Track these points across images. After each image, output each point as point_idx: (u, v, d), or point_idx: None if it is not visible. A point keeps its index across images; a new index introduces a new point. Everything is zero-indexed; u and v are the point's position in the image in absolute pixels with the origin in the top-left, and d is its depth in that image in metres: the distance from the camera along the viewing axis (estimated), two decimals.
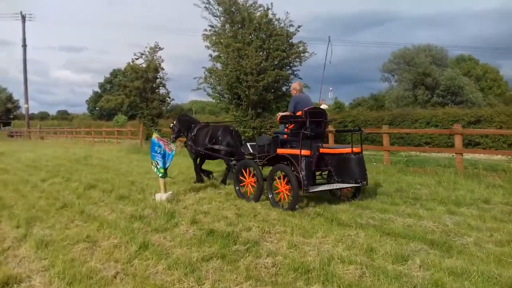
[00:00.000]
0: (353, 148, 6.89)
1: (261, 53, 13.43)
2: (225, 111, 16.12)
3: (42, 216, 6.64)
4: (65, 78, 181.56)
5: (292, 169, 6.54)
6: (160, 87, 21.06)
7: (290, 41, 13.88)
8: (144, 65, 20.51)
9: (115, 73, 78.75)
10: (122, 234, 5.37)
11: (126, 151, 19.78)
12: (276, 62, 13.57)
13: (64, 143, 30.84)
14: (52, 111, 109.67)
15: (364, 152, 7.26)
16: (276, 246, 4.92)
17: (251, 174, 7.40)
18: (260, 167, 7.40)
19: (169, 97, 21.13)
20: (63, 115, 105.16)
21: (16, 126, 67.22)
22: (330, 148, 7.55)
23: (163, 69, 20.72)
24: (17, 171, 12.74)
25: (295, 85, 8.36)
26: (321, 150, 7.19)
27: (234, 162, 8.55)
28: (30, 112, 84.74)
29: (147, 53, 20.68)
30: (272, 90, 14.02)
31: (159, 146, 7.80)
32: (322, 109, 7.74)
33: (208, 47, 14.63)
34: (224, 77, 13.71)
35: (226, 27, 14.14)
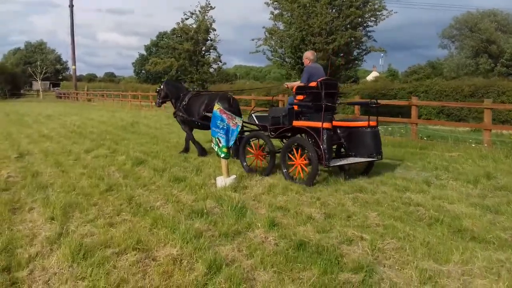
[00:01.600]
0: (370, 122, 6.62)
1: (332, 10, 11.60)
2: (286, 77, 14.48)
3: (82, 202, 5.42)
4: (112, 40, 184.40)
5: (311, 142, 6.35)
6: (211, 50, 19.60)
7: None
8: (194, 26, 19.01)
9: (161, 36, 78.04)
10: (183, 242, 4.02)
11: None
12: (348, 21, 11.69)
13: (110, 106, 30.20)
14: (100, 73, 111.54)
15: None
16: (402, 277, 3.42)
17: (260, 147, 7.25)
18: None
19: (221, 61, 19.66)
20: (110, 78, 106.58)
21: (65, 87, 68.33)
22: (344, 121, 7.23)
23: (214, 29, 19.20)
24: (61, 138, 11.78)
25: (308, 54, 7.76)
26: (334, 123, 6.83)
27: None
28: (78, 74, 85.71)
29: (197, 12, 19.15)
30: (342, 54, 12.24)
31: (222, 120, 6.37)
32: (335, 80, 7.52)
33: (268, 4, 12.94)
34: (287, 38, 12.02)
35: None
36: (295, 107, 6.92)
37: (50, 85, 76.27)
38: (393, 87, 18.82)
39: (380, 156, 6.71)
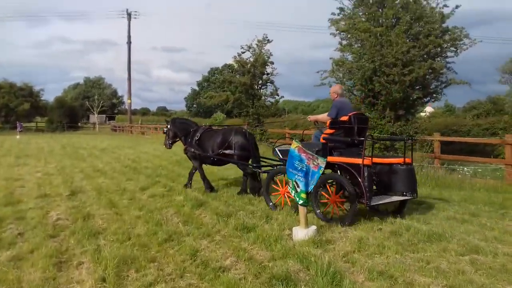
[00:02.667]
0: (405, 158, 6.41)
1: (408, 39, 10.58)
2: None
3: (139, 257, 4.54)
4: (165, 76, 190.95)
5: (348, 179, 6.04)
6: (268, 83, 18.94)
7: (444, 25, 10.86)
8: (251, 60, 18.51)
9: (212, 72, 79.72)
10: None
11: None
12: (425, 51, 10.60)
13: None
14: (153, 108, 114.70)
15: None
16: None
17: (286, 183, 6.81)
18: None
19: (278, 94, 18.91)
20: (162, 111, 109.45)
21: (120, 121, 70.31)
22: (377, 157, 6.69)
23: (272, 63, 18.59)
24: (115, 174, 11.22)
25: (335, 88, 7.49)
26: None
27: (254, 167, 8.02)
28: (132, 108, 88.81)
29: (254, 46, 18.67)
30: (418, 87, 11.10)
31: (301, 161, 5.39)
32: (365, 115, 7.37)
33: (334, 35, 12.14)
34: (357, 70, 11.05)
35: (360, 9, 11.47)
36: (323, 142, 6.67)
37: (106, 118, 78.95)
38: (465, 123, 17.28)
39: (415, 194, 6.40)
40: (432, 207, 7.33)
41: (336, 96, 7.33)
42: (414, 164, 9.94)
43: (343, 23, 11.86)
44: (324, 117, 7.27)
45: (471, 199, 8.08)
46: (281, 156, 7.34)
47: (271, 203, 7.01)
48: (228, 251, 4.84)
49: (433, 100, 11.75)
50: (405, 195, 6.31)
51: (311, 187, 5.40)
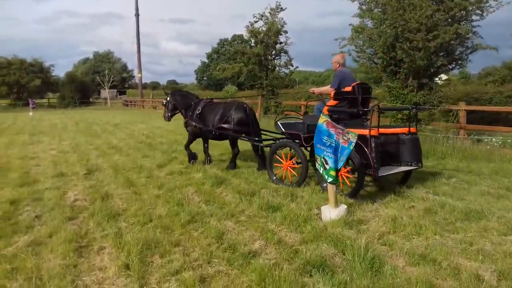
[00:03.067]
0: (410, 128, 6.42)
1: (432, 2, 9.98)
2: (375, 81, 12.92)
3: (162, 241, 4.32)
4: (174, 49, 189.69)
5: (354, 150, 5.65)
6: (282, 54, 18.38)
7: None
8: (264, 29, 17.91)
9: (222, 43, 78.68)
10: None
11: None
12: (450, 15, 9.99)
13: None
14: (162, 81, 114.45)
15: None
16: None
17: (290, 157, 6.90)
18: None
19: (292, 65, 18.36)
20: (172, 85, 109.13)
21: (130, 95, 70.15)
22: (383, 128, 6.45)
23: (286, 32, 17.96)
24: (130, 151, 11.00)
25: (338, 58, 7.35)
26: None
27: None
28: (142, 81, 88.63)
29: (267, 14, 18.03)
30: (442, 54, 10.55)
31: (329, 136, 5.06)
32: (368, 84, 7.10)
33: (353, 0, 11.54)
34: (378, 36, 10.51)
35: None
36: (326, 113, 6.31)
37: (117, 93, 78.81)
38: (487, 90, 16.66)
39: (420, 164, 6.39)
40: (462, 181, 7.00)
41: (338, 66, 7.23)
42: (439, 134, 9.87)
43: None
44: (327, 89, 7.21)
45: (503, 172, 7.71)
46: (283, 130, 7.23)
47: (274, 177, 6.97)
48: (255, 233, 4.59)
49: (458, 67, 11.16)
50: (411, 165, 6.32)
51: (341, 164, 5.09)
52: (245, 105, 8.32)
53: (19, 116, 29.07)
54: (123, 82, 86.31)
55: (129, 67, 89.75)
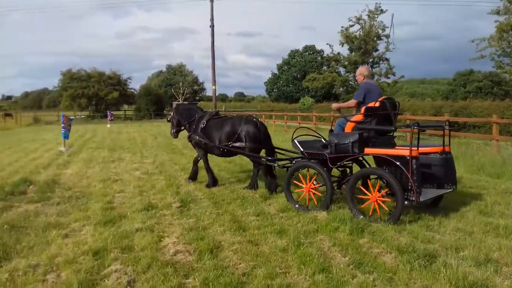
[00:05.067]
0: (445, 147, 6.00)
1: None
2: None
3: None
4: (241, 62, 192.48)
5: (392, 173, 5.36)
6: (382, 61, 16.30)
7: None
8: (361, 33, 15.96)
9: (293, 54, 77.11)
10: None
11: None
12: None
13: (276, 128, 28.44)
14: (230, 93, 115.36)
15: None
16: None
17: (312, 179, 6.26)
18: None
19: (394, 73, 16.20)
20: (240, 97, 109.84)
21: (207, 109, 70.40)
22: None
23: (387, 36, 15.90)
24: (222, 173, 9.50)
25: (362, 70, 6.97)
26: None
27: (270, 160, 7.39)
28: (210, 94, 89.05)
29: (364, 17, 16.09)
30: None
31: None
32: (395, 99, 6.45)
33: None
34: None
35: None
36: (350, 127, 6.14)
37: None
38: None
39: (455, 187, 6.01)
40: None
41: (362, 78, 6.84)
42: None
43: None
44: (349, 102, 6.85)
45: None
46: (301, 149, 6.60)
47: (296, 204, 6.28)
48: None
49: None
50: (447, 187, 5.91)
51: None
52: (255, 119, 7.69)
53: (98, 128, 29.15)
54: (194, 94, 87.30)
55: (200, 80, 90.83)
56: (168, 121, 9.16)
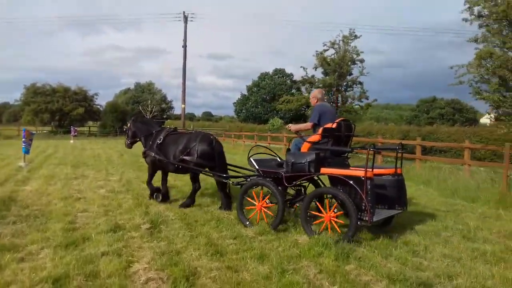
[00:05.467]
0: (397, 169, 6.12)
1: None
2: (492, 119, 10.66)
3: None
4: (210, 83, 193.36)
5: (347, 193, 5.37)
6: (355, 85, 16.36)
7: None
8: (335, 58, 16.01)
9: (263, 77, 77.63)
10: None
11: None
12: None
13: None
14: (197, 112, 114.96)
15: None
16: None
17: (264, 197, 6.34)
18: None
19: (367, 97, 16.24)
20: (208, 116, 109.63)
21: (169, 125, 69.42)
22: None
23: (362, 61, 15.98)
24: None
25: (315, 93, 7.15)
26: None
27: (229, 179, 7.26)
28: (178, 112, 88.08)
29: (339, 42, 16.16)
30: None
31: None
32: (351, 121, 6.72)
33: (468, 20, 9.47)
34: None
35: None
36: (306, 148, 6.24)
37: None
38: None
39: (405, 208, 6.12)
40: None
41: (316, 101, 6.95)
42: None
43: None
44: (306, 124, 6.83)
45: None
46: (257, 166, 6.63)
47: (247, 222, 6.25)
48: None
49: None
50: (397, 209, 6.03)
51: None
52: (211, 136, 7.63)
53: (60, 144, 28.01)
54: (162, 113, 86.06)
55: (168, 98, 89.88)
56: (124, 131, 8.99)
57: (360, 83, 16.20)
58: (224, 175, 7.28)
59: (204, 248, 5.01)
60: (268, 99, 70.51)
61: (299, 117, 38.48)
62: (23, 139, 13.90)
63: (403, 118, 70.57)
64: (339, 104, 16.43)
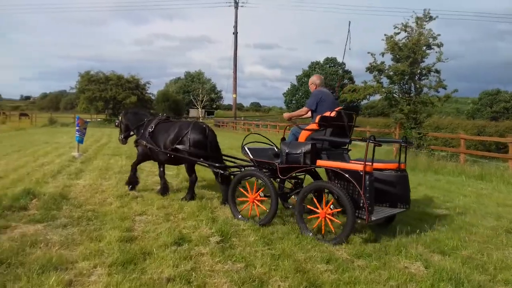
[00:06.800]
0: (400, 164, 5.62)
1: None
2: None
3: None
4: (258, 72, 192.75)
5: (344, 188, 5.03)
6: (431, 73, 14.70)
7: None
8: (408, 42, 14.42)
9: (313, 66, 75.83)
10: None
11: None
12: None
13: (272, 137, 26.98)
14: (246, 103, 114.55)
15: None
16: None
17: (257, 189, 5.94)
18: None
19: (445, 87, 14.55)
20: (256, 107, 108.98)
21: (219, 116, 69.39)
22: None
23: (439, 46, 14.32)
24: None
25: (313, 79, 6.66)
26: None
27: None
28: (226, 103, 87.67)
29: (412, 25, 14.55)
30: None
31: None
32: (352, 110, 6.10)
33: None
34: None
35: None
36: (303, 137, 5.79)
37: (205, 113, 78.69)
38: None
39: (408, 206, 5.62)
40: None
41: (314, 87, 6.57)
42: None
43: None
44: (301, 110, 6.49)
45: None
46: (251, 156, 6.29)
47: (239, 215, 5.97)
48: None
49: None
50: (400, 207, 5.59)
51: None
52: (204, 125, 7.34)
53: (114, 133, 27.91)
54: (211, 103, 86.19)
55: (218, 88, 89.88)
56: (116, 126, 8.82)
57: (437, 71, 14.50)
58: (219, 166, 6.89)
59: (293, 277, 3.92)
60: None
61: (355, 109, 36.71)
62: (76, 127, 13.43)
63: (461, 111, 66.55)
64: (411, 95, 14.79)
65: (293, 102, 75.95)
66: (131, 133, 8.24)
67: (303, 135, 5.86)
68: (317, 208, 5.20)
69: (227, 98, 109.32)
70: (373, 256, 4.60)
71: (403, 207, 5.63)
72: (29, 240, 4.74)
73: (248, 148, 6.42)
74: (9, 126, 34.93)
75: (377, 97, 16.31)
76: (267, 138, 7.12)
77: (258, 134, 7.47)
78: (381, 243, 5.11)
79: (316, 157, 5.50)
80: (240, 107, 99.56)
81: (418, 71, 14.39)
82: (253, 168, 6.31)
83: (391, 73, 14.41)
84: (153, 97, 55.50)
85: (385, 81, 15.16)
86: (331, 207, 5.25)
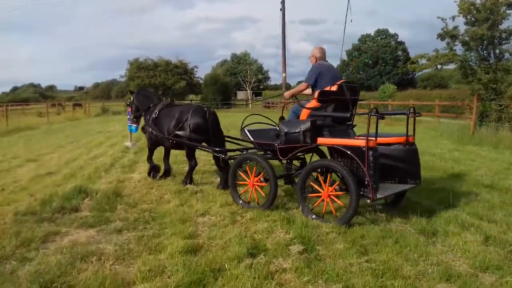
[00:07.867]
0: (408, 137, 5.35)
1: None
2: None
3: None
4: (304, 50, 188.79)
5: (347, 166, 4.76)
6: None
7: None
8: (486, 2, 12.70)
9: (363, 39, 72.69)
10: None
11: (448, 137, 12.85)
12: None
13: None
14: (293, 82, 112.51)
15: None
16: None
17: (258, 173, 5.70)
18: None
19: None
20: None
21: (267, 96, 68.36)
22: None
23: None
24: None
25: (314, 51, 6.16)
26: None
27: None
28: (272, 83, 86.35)
29: None
30: None
31: None
32: (355, 83, 5.96)
33: None
34: None
35: None
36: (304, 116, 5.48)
37: (252, 95, 77.86)
38: None
39: (418, 181, 5.33)
40: None
41: (315, 60, 6.03)
42: None
43: None
44: (300, 86, 6.05)
45: None
46: (251, 138, 6.01)
47: (240, 201, 5.72)
48: None
49: None
50: (410, 183, 5.27)
51: None
52: (205, 108, 6.97)
53: None
54: (258, 84, 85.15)
55: (264, 69, 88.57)
56: (127, 105, 8.72)
57: None
58: (218, 149, 6.58)
59: None
60: (371, 63, 65.68)
61: (409, 83, 34.61)
62: (128, 116, 12.93)
63: None
64: (491, 62, 13.12)
65: (343, 78, 73.12)
66: (140, 114, 8.14)
67: (304, 113, 5.54)
68: (321, 188, 4.97)
69: (274, 78, 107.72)
70: (505, 269, 3.55)
71: (413, 182, 5.33)
72: (80, 252, 4.07)
73: (249, 130, 6.18)
74: (64, 117, 35.64)
75: (447, 67, 14.58)
76: (268, 118, 6.79)
77: (260, 114, 6.88)
78: (505, 248, 4.04)
79: (317, 135, 5.23)
80: (287, 87, 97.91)
81: (498, 34, 12.70)
82: (253, 151, 6.17)
83: (467, 38, 12.79)
84: (201, 81, 55.29)
85: (458, 48, 13.56)
86: (336, 188, 4.96)
